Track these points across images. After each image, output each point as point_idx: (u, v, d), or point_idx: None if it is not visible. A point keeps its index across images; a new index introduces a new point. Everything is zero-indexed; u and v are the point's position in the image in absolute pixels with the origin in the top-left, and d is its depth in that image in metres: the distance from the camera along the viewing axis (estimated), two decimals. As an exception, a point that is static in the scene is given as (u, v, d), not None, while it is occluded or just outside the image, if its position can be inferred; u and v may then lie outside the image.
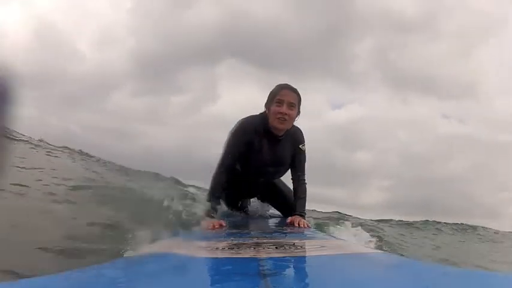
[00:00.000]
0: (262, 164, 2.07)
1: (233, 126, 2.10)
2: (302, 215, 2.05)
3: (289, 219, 2.02)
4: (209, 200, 2.02)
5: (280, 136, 2.03)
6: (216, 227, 1.83)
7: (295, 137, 2.12)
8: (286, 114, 1.92)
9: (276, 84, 2.02)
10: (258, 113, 2.08)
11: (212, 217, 1.95)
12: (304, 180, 2.15)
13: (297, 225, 1.91)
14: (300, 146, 2.12)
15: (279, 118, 1.93)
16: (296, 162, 2.13)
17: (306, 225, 1.93)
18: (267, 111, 1.99)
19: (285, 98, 1.92)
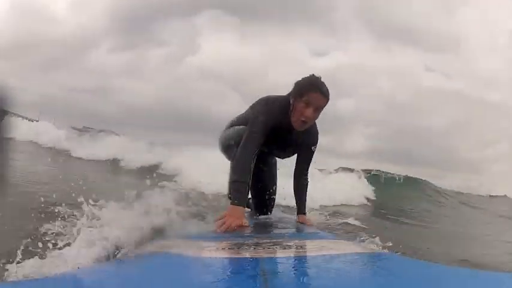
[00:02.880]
0: (271, 145, 1.99)
1: (259, 100, 1.99)
2: (305, 213, 2.16)
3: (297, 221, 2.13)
4: (239, 182, 1.72)
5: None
6: (244, 224, 1.59)
7: (310, 137, 2.05)
8: (310, 118, 1.83)
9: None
10: (283, 95, 1.94)
11: (245, 207, 1.79)
12: (307, 177, 2.15)
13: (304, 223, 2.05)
14: (312, 148, 2.09)
15: (302, 120, 1.82)
16: (304, 158, 2.11)
17: (310, 224, 2.08)
18: (291, 103, 1.84)
19: (314, 101, 1.79)
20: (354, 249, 1.26)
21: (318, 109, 1.83)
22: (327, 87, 1.82)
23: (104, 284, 0.79)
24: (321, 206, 5.36)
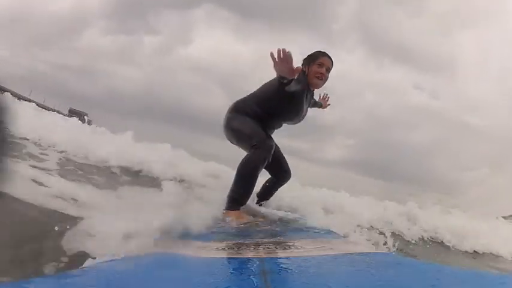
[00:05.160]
0: (298, 112, 2.43)
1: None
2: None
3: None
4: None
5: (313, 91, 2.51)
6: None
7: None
8: (324, 75, 2.36)
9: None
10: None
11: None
12: None
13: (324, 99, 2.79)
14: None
15: (318, 77, 2.35)
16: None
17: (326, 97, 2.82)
18: (305, 70, 2.35)
19: (325, 63, 2.35)
20: (354, 249, 1.26)
21: (328, 70, 2.38)
22: None
23: (104, 284, 0.79)
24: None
